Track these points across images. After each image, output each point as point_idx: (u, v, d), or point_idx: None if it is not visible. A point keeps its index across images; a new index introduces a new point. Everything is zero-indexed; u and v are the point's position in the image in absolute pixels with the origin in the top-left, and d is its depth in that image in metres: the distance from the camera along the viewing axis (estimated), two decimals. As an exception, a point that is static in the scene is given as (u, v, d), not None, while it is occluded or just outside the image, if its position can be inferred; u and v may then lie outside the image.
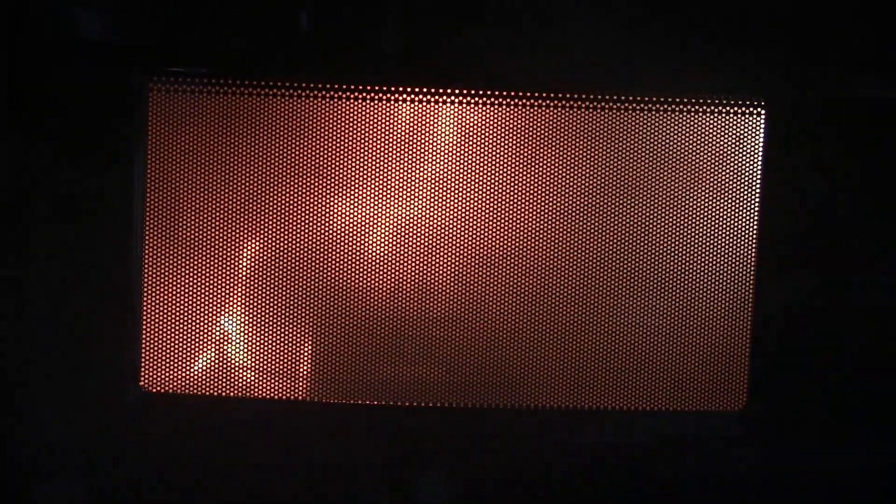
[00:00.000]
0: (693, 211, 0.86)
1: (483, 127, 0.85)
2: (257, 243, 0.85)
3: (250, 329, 0.87)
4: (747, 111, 0.86)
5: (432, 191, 0.86)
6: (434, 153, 0.85)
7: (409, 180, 0.85)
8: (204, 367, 0.87)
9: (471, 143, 0.85)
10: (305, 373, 0.87)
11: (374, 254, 0.86)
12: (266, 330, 0.86)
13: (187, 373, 0.86)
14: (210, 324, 0.87)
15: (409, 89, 0.84)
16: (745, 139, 0.86)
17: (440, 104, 0.84)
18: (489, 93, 0.84)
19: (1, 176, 0.83)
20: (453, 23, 0.84)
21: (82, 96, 0.82)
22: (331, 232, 0.85)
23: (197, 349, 0.86)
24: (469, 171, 0.85)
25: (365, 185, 0.85)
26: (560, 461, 0.87)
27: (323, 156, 0.84)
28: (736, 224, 0.86)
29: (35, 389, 0.84)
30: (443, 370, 0.87)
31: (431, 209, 0.86)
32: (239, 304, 0.87)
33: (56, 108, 0.82)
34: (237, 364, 0.88)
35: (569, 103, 0.84)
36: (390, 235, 0.86)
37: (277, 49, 0.83)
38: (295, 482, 0.86)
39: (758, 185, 0.86)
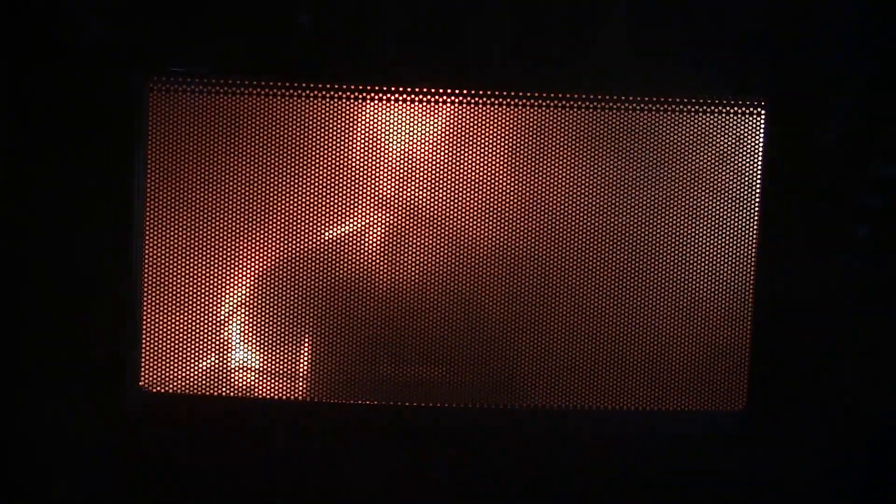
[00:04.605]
0: (693, 211, 0.86)
1: (483, 127, 0.85)
2: (257, 243, 0.85)
3: (250, 329, 0.87)
4: (747, 111, 0.86)
5: (432, 191, 0.86)
6: (434, 153, 0.85)
7: (408, 180, 0.85)
8: (204, 367, 0.87)
9: (471, 143, 0.85)
10: (305, 373, 0.87)
11: (373, 254, 0.86)
12: (266, 330, 0.86)
13: (187, 373, 0.86)
14: (210, 324, 0.87)
15: (409, 89, 0.84)
16: (745, 139, 0.86)
17: (440, 104, 0.84)
18: (489, 93, 0.84)
19: (1, 176, 0.83)
20: (453, 23, 0.84)
21: (82, 96, 0.82)
22: (330, 232, 0.85)
23: (197, 349, 0.86)
24: (469, 171, 0.85)
25: (364, 185, 0.85)
26: (560, 461, 0.87)
27: (323, 156, 0.84)
28: (736, 224, 0.86)
29: (35, 389, 0.84)
30: (443, 370, 0.87)
31: (431, 209, 0.86)
32: (239, 304, 0.87)
33: (56, 108, 0.82)
34: (237, 364, 0.88)
35: (569, 103, 0.84)
36: (390, 235, 0.86)
37: (277, 49, 0.83)
38: (295, 482, 0.86)
39: (758, 185, 0.86)
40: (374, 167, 0.85)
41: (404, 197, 0.86)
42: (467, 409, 0.87)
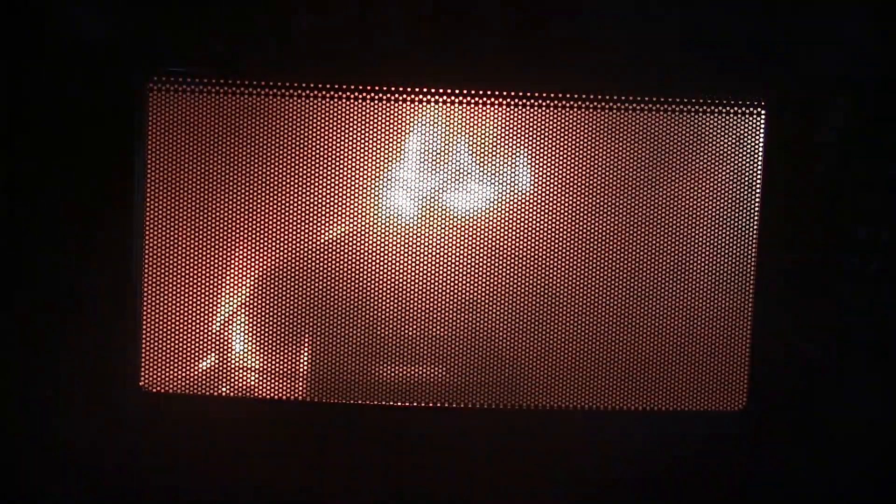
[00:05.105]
0: (693, 211, 0.86)
1: (483, 127, 0.85)
2: (257, 243, 0.85)
3: (250, 329, 0.87)
4: (747, 111, 0.86)
5: (432, 191, 0.86)
6: (434, 153, 0.85)
7: (408, 180, 0.85)
8: (204, 367, 0.87)
9: (471, 143, 0.85)
10: (305, 373, 0.87)
11: (373, 254, 0.86)
12: (266, 330, 0.86)
13: (187, 373, 0.86)
14: (210, 324, 0.87)
15: (409, 89, 0.84)
16: (745, 139, 0.86)
17: (440, 104, 0.84)
18: (489, 93, 0.84)
19: (1, 176, 0.83)
20: (453, 23, 0.84)
21: (82, 96, 0.82)
22: (330, 232, 0.85)
23: (197, 349, 0.86)
24: (468, 171, 0.85)
25: (364, 185, 0.85)
26: (560, 461, 0.87)
27: (323, 156, 0.84)
28: (736, 224, 0.86)
29: (35, 389, 0.84)
30: (443, 370, 0.87)
31: (431, 209, 0.86)
32: (239, 304, 0.87)
33: (56, 108, 0.82)
34: (237, 364, 0.88)
35: (569, 103, 0.84)
36: (390, 235, 0.86)
37: (277, 49, 0.83)
38: (295, 482, 0.86)
39: (758, 185, 0.86)
40: (373, 167, 0.85)
41: (403, 197, 0.86)
42: (467, 409, 0.87)
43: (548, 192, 0.85)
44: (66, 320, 0.84)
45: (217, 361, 0.87)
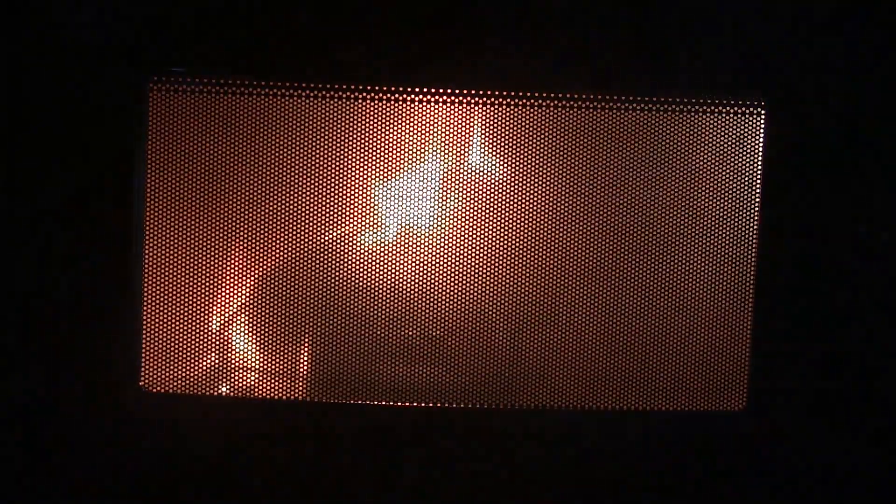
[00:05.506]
0: (693, 211, 0.86)
1: (483, 127, 0.85)
2: (257, 243, 0.85)
3: (250, 329, 0.87)
4: (747, 111, 0.86)
5: (432, 191, 0.86)
6: (434, 153, 0.85)
7: (408, 180, 0.85)
8: (204, 367, 0.87)
9: (471, 143, 0.85)
10: (305, 373, 0.87)
11: (373, 253, 0.86)
12: (266, 330, 0.86)
13: (187, 373, 0.86)
14: (210, 323, 0.87)
15: (409, 89, 0.84)
16: (745, 139, 0.86)
17: (440, 104, 0.84)
18: (489, 93, 0.84)
19: (1, 176, 0.83)
20: (453, 23, 0.84)
21: (82, 96, 0.82)
22: (330, 232, 0.85)
23: (197, 349, 0.86)
24: (468, 171, 0.85)
25: (364, 186, 0.85)
26: (560, 461, 0.87)
27: (323, 156, 0.84)
28: (736, 224, 0.86)
29: (35, 389, 0.84)
30: (443, 370, 0.87)
31: (431, 209, 0.86)
32: (239, 304, 0.87)
33: (56, 108, 0.82)
34: (237, 364, 0.88)
35: (569, 103, 0.84)
36: (390, 235, 0.86)
37: (277, 49, 0.83)
38: (295, 482, 0.86)
39: (758, 185, 0.86)
40: (373, 167, 0.85)
41: (403, 197, 0.86)
42: (467, 409, 0.87)
43: (548, 192, 0.85)
44: (66, 320, 0.84)
45: (217, 361, 0.87)
